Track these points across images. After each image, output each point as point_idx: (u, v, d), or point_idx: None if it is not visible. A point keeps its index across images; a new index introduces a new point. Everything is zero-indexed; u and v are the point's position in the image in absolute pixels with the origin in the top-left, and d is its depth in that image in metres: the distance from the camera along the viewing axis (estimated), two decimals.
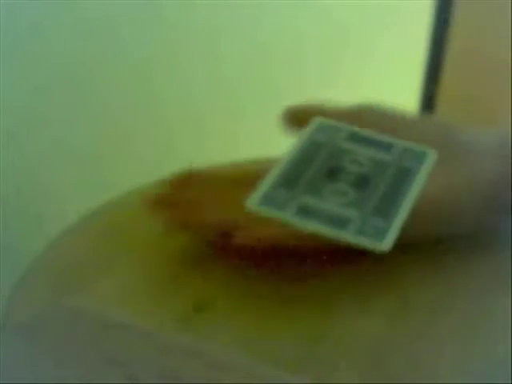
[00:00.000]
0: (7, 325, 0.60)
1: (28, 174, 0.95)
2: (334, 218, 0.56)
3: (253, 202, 0.57)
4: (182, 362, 0.57)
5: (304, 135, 0.64)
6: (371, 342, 0.59)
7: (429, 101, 1.74)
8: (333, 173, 0.60)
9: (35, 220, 0.98)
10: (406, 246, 0.58)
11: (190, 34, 1.14)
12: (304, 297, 0.63)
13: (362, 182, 0.60)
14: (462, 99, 1.66)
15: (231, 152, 1.12)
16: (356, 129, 0.65)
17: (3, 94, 0.87)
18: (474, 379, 0.55)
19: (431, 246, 0.67)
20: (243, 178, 0.65)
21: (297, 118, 0.68)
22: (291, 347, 0.58)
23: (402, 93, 1.62)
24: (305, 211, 0.56)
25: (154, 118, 1.12)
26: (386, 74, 1.53)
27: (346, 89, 1.46)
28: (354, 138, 0.64)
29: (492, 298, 0.64)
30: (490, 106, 1.64)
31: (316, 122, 0.65)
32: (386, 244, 0.54)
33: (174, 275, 0.66)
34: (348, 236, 0.55)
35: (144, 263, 0.67)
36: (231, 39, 1.21)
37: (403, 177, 0.61)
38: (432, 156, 0.63)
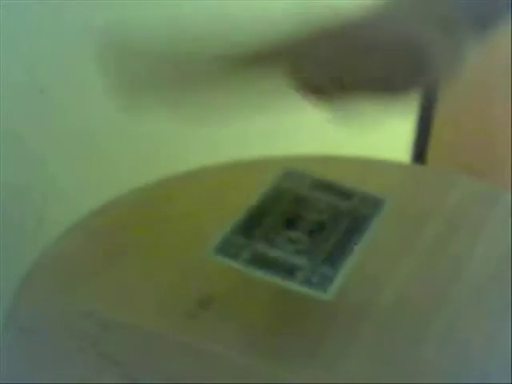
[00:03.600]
0: (8, 325, 0.60)
1: (28, 174, 0.95)
2: (284, 267, 0.59)
3: (210, 250, 0.60)
4: (182, 362, 0.57)
5: (270, 182, 0.68)
6: None
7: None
8: (291, 221, 0.64)
9: (35, 220, 0.97)
10: None
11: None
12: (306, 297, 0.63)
13: (317, 230, 0.63)
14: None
15: (233, 152, 1.12)
16: (320, 177, 0.69)
17: (3, 94, 0.87)
18: None
19: None
20: None
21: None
22: (292, 347, 0.58)
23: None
24: (257, 259, 0.59)
25: (156, 118, 1.11)
26: None
27: None
28: (318, 185, 0.68)
29: None
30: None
31: (283, 169, 0.69)
32: (330, 293, 0.57)
33: (175, 274, 0.66)
34: (294, 285, 0.57)
35: (144, 263, 0.67)
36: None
37: (358, 224, 0.64)
38: (389, 203, 0.66)
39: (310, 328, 0.60)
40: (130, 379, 0.55)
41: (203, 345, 0.58)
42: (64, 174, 1.00)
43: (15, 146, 0.92)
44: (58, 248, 0.70)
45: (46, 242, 0.70)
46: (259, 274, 0.58)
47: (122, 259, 0.68)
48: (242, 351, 0.57)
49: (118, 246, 0.70)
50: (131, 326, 0.59)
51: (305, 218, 0.64)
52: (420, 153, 1.81)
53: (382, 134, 1.60)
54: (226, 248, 0.60)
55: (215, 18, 0.61)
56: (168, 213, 0.75)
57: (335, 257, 0.60)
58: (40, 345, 0.58)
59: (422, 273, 0.67)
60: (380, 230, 0.65)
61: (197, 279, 0.65)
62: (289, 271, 0.58)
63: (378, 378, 0.56)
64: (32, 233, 0.97)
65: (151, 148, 1.11)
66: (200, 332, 0.59)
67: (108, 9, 0.96)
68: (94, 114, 1.01)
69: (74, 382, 0.54)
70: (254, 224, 0.63)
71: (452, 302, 0.63)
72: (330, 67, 0.56)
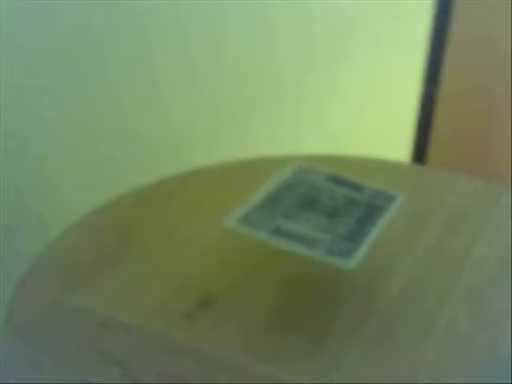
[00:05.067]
0: (8, 324, 0.60)
1: (28, 174, 0.95)
2: (307, 239, 0.61)
3: (231, 220, 0.61)
4: (182, 361, 0.57)
5: (287, 174, 0.70)
6: None
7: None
8: (309, 203, 0.66)
9: (35, 220, 0.97)
10: None
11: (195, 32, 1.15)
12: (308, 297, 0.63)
13: (334, 213, 0.65)
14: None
15: (235, 151, 1.12)
16: (334, 173, 0.71)
17: (3, 95, 0.87)
18: None
19: None
20: None
21: None
22: (292, 347, 0.58)
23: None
24: (280, 232, 0.61)
25: (156, 118, 1.12)
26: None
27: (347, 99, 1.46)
28: (332, 179, 0.70)
29: None
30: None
31: (297, 165, 0.72)
32: (353, 262, 0.58)
33: (175, 274, 0.66)
34: (318, 254, 0.59)
35: (144, 263, 0.67)
36: (235, 37, 1.21)
37: (372, 212, 0.66)
38: (401, 199, 0.69)
39: (309, 328, 0.60)
40: (130, 379, 0.55)
41: (203, 345, 0.58)
42: (64, 174, 1.00)
43: (15, 146, 0.92)
44: (58, 248, 0.70)
45: (46, 242, 0.70)
46: (282, 244, 0.59)
47: (122, 259, 0.68)
48: (242, 351, 0.57)
49: (118, 246, 0.70)
50: (131, 326, 0.59)
51: (321, 203, 0.66)
52: (420, 153, 1.81)
53: (382, 134, 1.61)
54: (250, 219, 0.61)
55: None
56: (168, 213, 0.75)
57: (354, 235, 0.62)
58: (40, 345, 0.58)
59: (421, 273, 0.67)
60: (381, 228, 0.65)
61: (197, 279, 0.65)
62: (312, 242, 0.60)
63: (379, 378, 0.56)
64: (32, 233, 0.97)
65: (151, 148, 1.11)
66: (200, 332, 0.59)
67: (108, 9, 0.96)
68: (93, 114, 1.01)
69: (74, 382, 0.54)
70: (273, 203, 0.65)
71: (452, 301, 0.63)
72: None
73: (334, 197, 0.68)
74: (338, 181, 0.70)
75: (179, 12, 1.07)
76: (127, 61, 1.03)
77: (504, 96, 1.64)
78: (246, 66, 1.24)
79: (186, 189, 0.80)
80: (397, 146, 1.70)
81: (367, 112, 1.52)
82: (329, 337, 0.59)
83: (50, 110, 0.95)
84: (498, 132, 1.66)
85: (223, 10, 1.14)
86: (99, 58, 0.99)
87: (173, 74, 1.11)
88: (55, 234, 0.71)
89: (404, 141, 1.71)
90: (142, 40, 1.04)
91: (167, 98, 1.13)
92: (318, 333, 0.60)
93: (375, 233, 0.63)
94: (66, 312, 0.61)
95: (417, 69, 1.62)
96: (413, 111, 1.68)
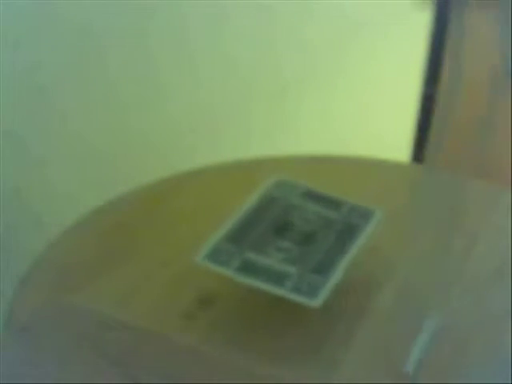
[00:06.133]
0: (8, 325, 0.60)
1: (28, 174, 0.95)
2: (274, 274, 0.60)
3: (200, 256, 0.60)
4: (182, 361, 0.57)
5: (261, 190, 0.68)
6: None
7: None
8: (280, 230, 0.64)
9: (35, 220, 0.97)
10: None
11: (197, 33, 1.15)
12: None
13: (306, 240, 0.64)
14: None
15: (235, 151, 1.12)
16: (311, 188, 0.69)
17: (3, 94, 0.87)
18: None
19: None
20: None
21: None
22: (292, 347, 0.58)
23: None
24: (247, 267, 0.60)
25: (156, 118, 1.12)
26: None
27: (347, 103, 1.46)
28: (308, 195, 0.69)
29: None
30: None
31: (275, 178, 0.70)
32: (318, 301, 0.57)
33: (175, 275, 0.66)
34: (284, 292, 0.58)
35: (144, 263, 0.67)
36: (239, 40, 1.21)
37: (348, 233, 0.65)
38: (378, 215, 0.67)
39: (309, 328, 0.60)
40: (130, 379, 0.55)
41: (203, 345, 0.58)
42: (64, 174, 1.00)
43: (15, 146, 0.92)
44: (58, 248, 0.70)
45: (45, 242, 0.70)
46: (249, 281, 0.59)
47: (122, 259, 0.68)
48: (242, 351, 0.57)
49: (117, 246, 0.70)
50: (131, 326, 0.59)
51: (294, 228, 0.65)
52: (420, 153, 1.81)
53: (382, 134, 1.60)
54: (217, 255, 0.60)
55: None
56: (168, 213, 0.75)
57: (324, 266, 0.61)
58: (40, 345, 0.58)
59: (421, 273, 0.67)
60: (379, 229, 0.65)
61: (197, 279, 0.65)
62: (278, 279, 0.59)
63: (377, 378, 0.56)
64: (32, 232, 0.97)
65: (151, 148, 1.11)
66: (200, 332, 0.59)
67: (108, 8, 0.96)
68: (93, 114, 1.01)
69: (74, 382, 0.54)
70: (244, 232, 0.63)
71: (452, 301, 0.63)
72: None
73: (309, 218, 0.66)
74: (313, 197, 0.69)
75: (181, 12, 1.07)
76: (128, 60, 1.03)
77: (504, 96, 1.63)
78: (246, 66, 1.24)
79: (186, 189, 0.80)
80: (397, 145, 1.69)
81: (367, 112, 1.51)
82: (328, 337, 0.59)
83: (50, 110, 0.95)
84: (497, 132, 1.66)
85: (225, 11, 1.14)
86: (100, 57, 0.99)
87: (173, 74, 1.11)
88: (55, 234, 0.71)
89: (404, 141, 1.71)
90: (143, 40, 1.04)
91: (168, 98, 1.12)
92: (318, 333, 0.60)
93: (347, 259, 0.62)
94: (66, 312, 0.61)
95: (417, 69, 1.62)
96: (413, 111, 1.68)
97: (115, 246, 0.70)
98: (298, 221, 0.65)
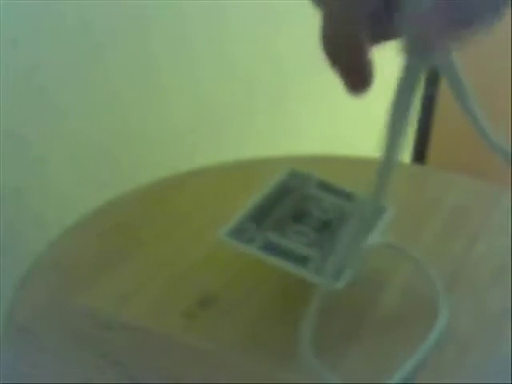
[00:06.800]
0: (8, 325, 0.60)
1: (28, 174, 0.95)
2: (296, 256, 0.60)
3: (222, 234, 0.60)
4: (182, 361, 0.57)
5: (277, 179, 0.69)
6: None
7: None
8: (298, 216, 0.65)
9: (35, 220, 0.97)
10: None
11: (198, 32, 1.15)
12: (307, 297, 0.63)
13: (323, 227, 0.64)
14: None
15: (236, 151, 1.12)
16: (324, 179, 0.70)
17: (3, 94, 0.87)
18: None
19: None
20: None
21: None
22: (292, 347, 0.58)
23: None
24: (269, 247, 0.60)
25: (156, 118, 1.12)
26: None
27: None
28: (322, 186, 0.69)
29: None
30: None
31: (289, 169, 0.70)
32: (341, 283, 0.57)
33: (175, 274, 0.66)
34: (307, 273, 0.58)
35: (144, 263, 0.67)
36: (241, 39, 1.21)
37: (361, 226, 0.64)
38: (391, 211, 0.67)
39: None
40: (130, 379, 0.55)
41: (203, 345, 0.58)
42: (64, 174, 1.00)
43: (15, 146, 0.92)
44: (58, 248, 0.70)
45: (46, 242, 0.70)
46: (272, 261, 0.59)
47: (122, 259, 0.68)
48: (242, 351, 0.57)
49: (118, 246, 0.70)
50: (131, 326, 0.59)
51: (311, 215, 0.65)
52: (420, 153, 1.81)
53: (382, 134, 1.60)
54: (240, 233, 0.60)
55: None
56: (168, 213, 0.75)
57: (343, 253, 0.61)
58: (40, 345, 0.58)
59: (421, 273, 0.67)
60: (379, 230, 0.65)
61: (197, 279, 0.65)
62: (301, 260, 0.59)
63: (378, 379, 0.56)
64: (32, 232, 0.97)
65: (152, 148, 1.11)
66: (200, 332, 0.59)
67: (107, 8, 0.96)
68: (94, 113, 1.01)
69: (74, 382, 0.54)
70: (264, 214, 0.64)
71: (452, 301, 0.63)
72: None
73: (325, 207, 0.67)
74: (328, 188, 0.69)
75: (182, 13, 1.07)
76: (128, 60, 1.03)
77: (504, 96, 1.64)
78: (247, 66, 1.24)
79: (187, 189, 0.80)
80: None
81: (367, 112, 1.51)
82: (329, 336, 0.59)
83: (50, 110, 0.95)
84: (497, 132, 1.66)
85: (226, 11, 1.14)
86: (100, 57, 0.99)
87: (174, 74, 1.11)
88: (55, 234, 0.71)
89: (404, 141, 1.71)
90: (143, 40, 1.04)
91: (168, 97, 1.13)
92: (318, 333, 0.60)
93: (364, 247, 0.62)
94: (66, 312, 0.61)
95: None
96: (413, 111, 1.68)
97: (115, 246, 0.70)
98: (315, 209, 0.66)
